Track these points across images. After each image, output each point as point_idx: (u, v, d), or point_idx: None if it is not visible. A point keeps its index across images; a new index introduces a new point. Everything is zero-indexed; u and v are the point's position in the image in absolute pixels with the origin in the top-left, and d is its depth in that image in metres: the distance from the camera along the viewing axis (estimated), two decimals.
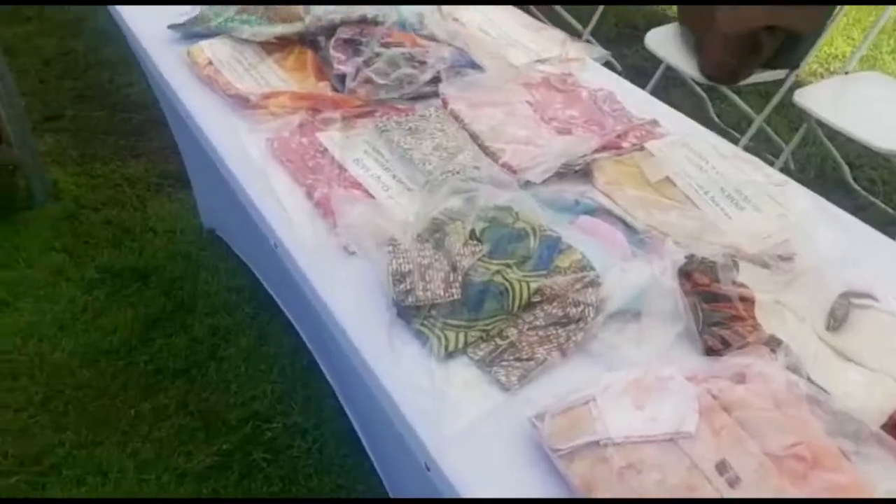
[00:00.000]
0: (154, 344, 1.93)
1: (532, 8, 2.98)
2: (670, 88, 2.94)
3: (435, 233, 1.03)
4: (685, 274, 0.95)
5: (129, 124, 2.78)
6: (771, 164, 1.85)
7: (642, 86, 2.90)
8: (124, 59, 2.79)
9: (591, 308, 0.92)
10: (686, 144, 1.21)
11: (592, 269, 0.97)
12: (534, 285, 0.94)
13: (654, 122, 1.30)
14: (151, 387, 1.83)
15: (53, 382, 1.82)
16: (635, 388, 0.79)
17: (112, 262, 2.16)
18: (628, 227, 1.07)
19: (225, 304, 2.05)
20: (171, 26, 1.53)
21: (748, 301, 0.93)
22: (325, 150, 1.23)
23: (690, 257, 0.97)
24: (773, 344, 0.86)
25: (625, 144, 1.23)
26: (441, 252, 1.00)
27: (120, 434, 1.73)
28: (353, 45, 1.41)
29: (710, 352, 0.89)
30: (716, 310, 0.91)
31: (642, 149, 1.22)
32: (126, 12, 1.64)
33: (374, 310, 0.96)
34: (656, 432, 0.74)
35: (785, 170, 2.17)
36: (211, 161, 1.35)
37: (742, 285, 0.94)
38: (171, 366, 1.88)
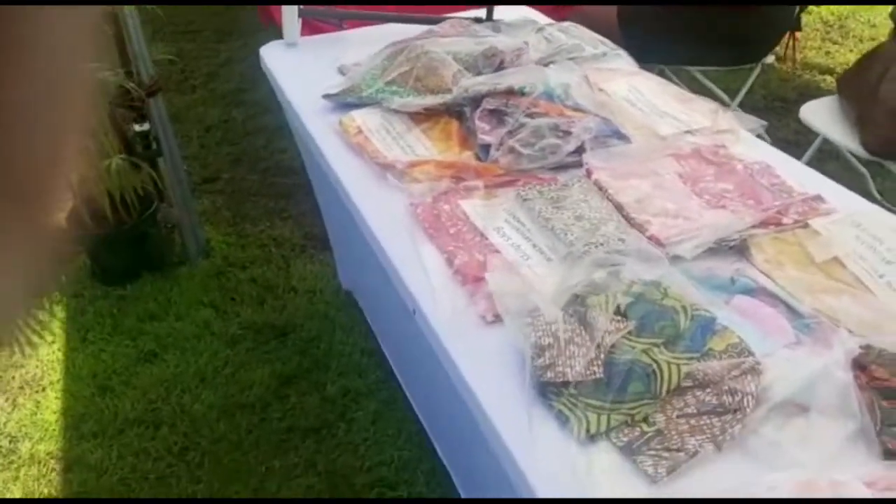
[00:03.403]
0: (288, 401, 1.97)
1: (675, 79, 2.92)
2: (825, 161, 2.77)
3: (577, 306, 0.99)
4: (861, 366, 0.86)
5: (279, 188, 2.92)
6: None
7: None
8: (279, 127, 2.95)
9: (749, 398, 0.84)
10: (857, 223, 1.11)
11: (751, 354, 0.89)
12: (685, 368, 0.88)
13: (819, 198, 1.21)
14: (283, 444, 1.86)
15: (192, 434, 1.88)
16: (805, 493, 0.71)
17: (254, 319, 2.24)
18: (792, 311, 0.98)
19: (357, 365, 2.07)
20: (325, 96, 1.59)
21: None
22: (467, 217, 1.22)
23: (867, 348, 0.87)
24: None
25: (786, 221, 1.15)
26: (583, 327, 0.95)
27: (251, 490, 1.75)
28: (498, 116, 1.42)
29: (890, 456, 0.78)
30: None
31: (806, 226, 1.13)
32: (284, 83, 1.73)
33: (512, 384, 0.92)
34: None
35: None
36: (351, 226, 1.38)
37: None
38: (302, 424, 1.90)
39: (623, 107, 1.53)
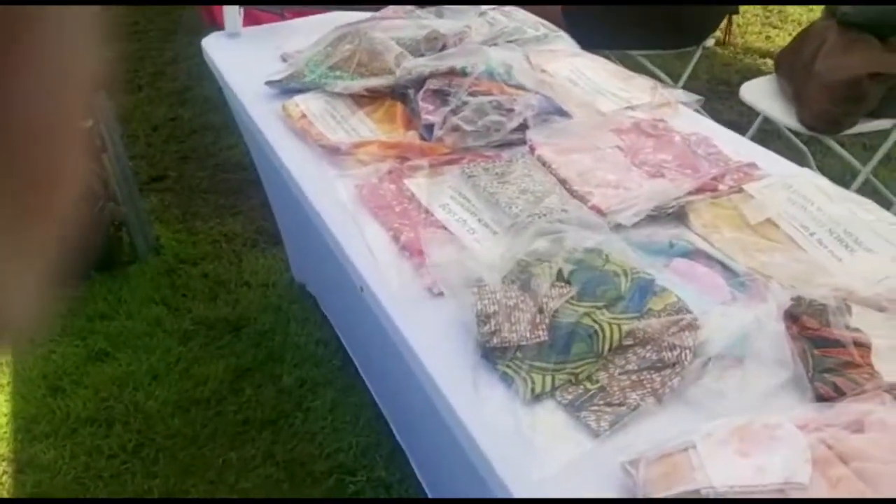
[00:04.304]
0: (243, 394, 1.96)
1: (619, 63, 2.96)
2: (768, 142, 2.83)
3: (521, 274, 1.00)
4: (792, 317, 0.89)
5: (228, 184, 2.89)
6: None
7: None
8: (226, 123, 2.93)
9: (687, 352, 0.86)
10: (789, 186, 1.14)
11: (689, 311, 0.92)
12: (625, 327, 0.90)
13: (753, 165, 1.24)
14: (239, 436, 1.84)
15: (146, 430, 1.86)
16: (740, 436, 0.73)
17: (207, 314, 2.22)
18: (727, 270, 1.01)
19: (312, 355, 2.06)
20: (268, 83, 1.58)
21: (864, 347, 0.85)
22: (413, 195, 1.23)
23: (798, 300, 0.90)
24: (895, 392, 0.78)
25: (721, 187, 1.18)
26: (527, 293, 0.97)
27: (207, 483, 1.74)
28: (441, 96, 1.42)
29: (822, 400, 0.81)
30: (827, 355, 0.84)
31: (740, 191, 1.17)
32: (227, 73, 1.72)
33: (459, 352, 0.94)
34: (765, 482, 0.68)
35: None
36: (301, 218, 1.37)
37: (856, 330, 0.87)
38: (258, 416, 1.89)
39: (565, 86, 1.55)
